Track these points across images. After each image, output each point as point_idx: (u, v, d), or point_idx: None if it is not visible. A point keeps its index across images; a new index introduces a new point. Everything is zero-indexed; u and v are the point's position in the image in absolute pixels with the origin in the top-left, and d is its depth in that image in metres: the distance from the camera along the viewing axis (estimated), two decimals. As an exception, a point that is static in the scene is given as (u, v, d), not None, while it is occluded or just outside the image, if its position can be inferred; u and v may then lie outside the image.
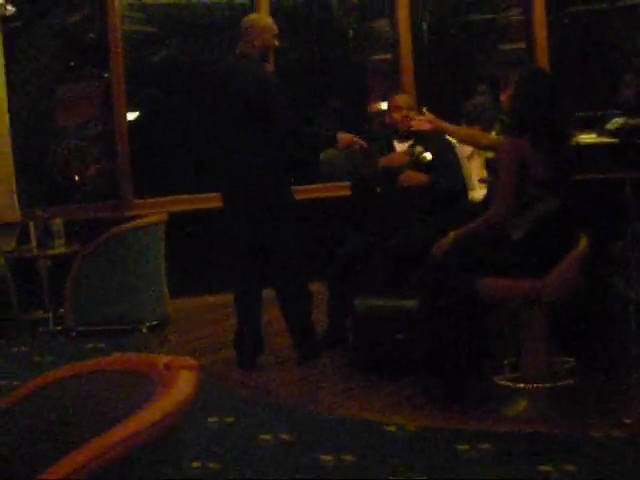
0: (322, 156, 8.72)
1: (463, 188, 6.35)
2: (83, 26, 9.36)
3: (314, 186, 8.66)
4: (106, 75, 9.10)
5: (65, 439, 2.23)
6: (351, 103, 11.32)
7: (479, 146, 5.94)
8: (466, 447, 4.23)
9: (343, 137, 5.74)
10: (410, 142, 6.25)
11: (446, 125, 5.57)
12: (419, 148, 6.12)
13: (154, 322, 7.21)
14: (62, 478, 1.73)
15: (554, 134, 4.75)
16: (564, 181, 4.84)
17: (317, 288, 6.19)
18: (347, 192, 6.84)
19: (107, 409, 2.23)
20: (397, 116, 6.25)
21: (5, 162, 7.60)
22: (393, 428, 4.58)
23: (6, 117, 7.61)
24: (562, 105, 4.81)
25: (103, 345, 6.72)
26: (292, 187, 5.85)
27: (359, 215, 6.44)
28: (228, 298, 6.09)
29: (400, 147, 6.31)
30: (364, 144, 5.80)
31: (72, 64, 9.76)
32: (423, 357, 4.98)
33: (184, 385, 2.07)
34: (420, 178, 6.05)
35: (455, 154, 6.37)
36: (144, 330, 7.09)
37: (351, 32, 11.71)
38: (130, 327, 7.08)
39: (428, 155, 6.07)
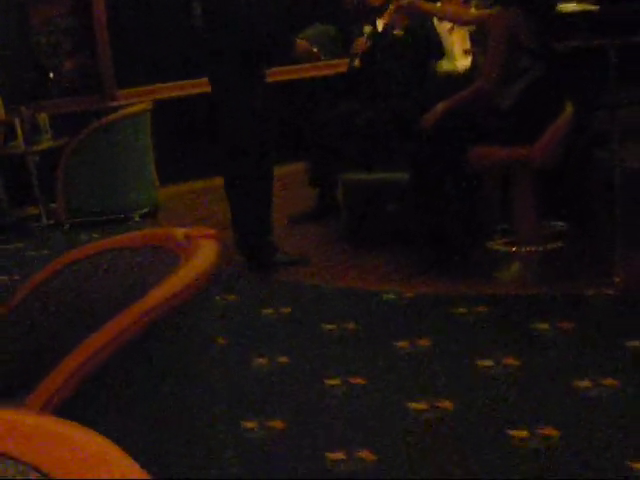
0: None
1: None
2: None
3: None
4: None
5: (94, 312, 2.33)
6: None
7: (461, 22, 5.94)
8: (463, 310, 4.38)
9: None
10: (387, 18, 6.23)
11: (425, 5, 5.57)
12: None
13: (145, 210, 7.30)
14: (90, 353, 1.76)
15: (542, 2, 4.78)
16: (551, 49, 4.89)
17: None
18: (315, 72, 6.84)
19: (133, 282, 2.32)
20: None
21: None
22: (391, 296, 4.73)
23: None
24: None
25: (97, 236, 6.79)
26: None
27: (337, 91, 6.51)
28: (215, 183, 6.12)
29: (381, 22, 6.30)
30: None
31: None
32: (416, 227, 5.09)
33: (207, 253, 2.14)
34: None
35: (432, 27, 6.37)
36: (136, 218, 7.18)
37: None
38: (122, 216, 7.16)
39: None
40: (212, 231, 2.27)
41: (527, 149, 4.70)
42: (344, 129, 6.01)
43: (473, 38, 6.31)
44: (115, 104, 7.86)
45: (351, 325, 4.36)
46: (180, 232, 2.31)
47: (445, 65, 6.55)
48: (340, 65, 7.28)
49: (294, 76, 8.43)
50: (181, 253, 2.19)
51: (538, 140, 4.71)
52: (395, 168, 5.41)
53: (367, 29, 6.19)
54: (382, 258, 5.36)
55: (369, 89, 6.16)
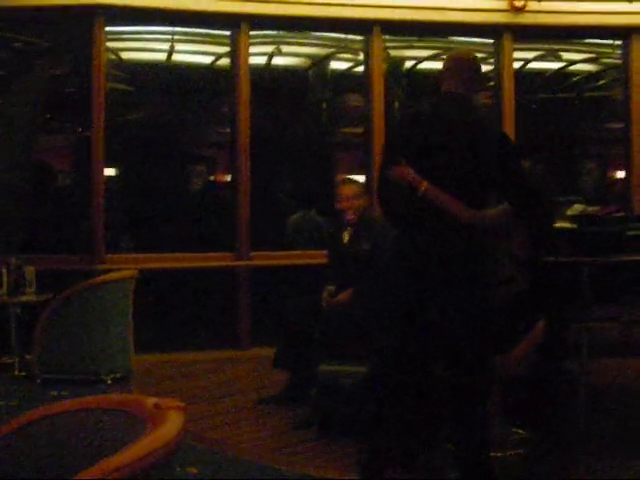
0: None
1: None
2: (66, 80, 9.56)
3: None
4: (80, 130, 9.31)
5: (54, 474, 2.40)
6: (320, 175, 11.54)
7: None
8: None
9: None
10: (350, 230, 6.50)
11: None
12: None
13: (118, 375, 7.35)
14: None
15: (546, 221, 4.97)
16: (537, 262, 5.07)
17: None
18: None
19: (97, 445, 2.40)
20: (346, 205, 6.44)
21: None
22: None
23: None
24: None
25: (66, 394, 6.82)
26: None
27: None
28: (191, 356, 6.18)
29: (347, 233, 6.56)
30: None
31: (53, 117, 9.92)
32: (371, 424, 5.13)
33: (173, 424, 2.23)
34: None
35: None
36: (108, 381, 7.23)
37: (325, 104, 11.99)
38: (94, 378, 7.22)
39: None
40: (180, 404, 2.36)
41: (500, 359, 4.78)
42: (316, 317, 6.18)
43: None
44: (103, 267, 8.04)
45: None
46: (150, 401, 2.40)
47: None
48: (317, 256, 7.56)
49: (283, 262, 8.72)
50: (149, 421, 2.28)
51: (511, 351, 4.82)
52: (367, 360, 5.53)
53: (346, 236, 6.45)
54: (350, 448, 5.38)
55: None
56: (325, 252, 6.88)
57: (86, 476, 1.97)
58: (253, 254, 8.67)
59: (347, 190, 6.49)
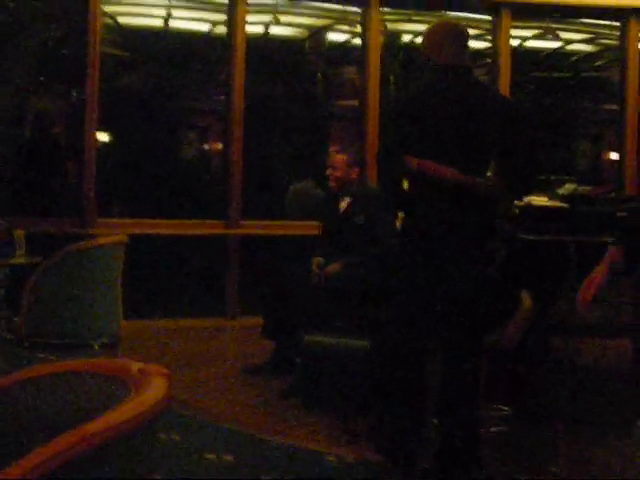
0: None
1: None
2: (61, 43, 9.53)
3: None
4: (74, 94, 9.29)
5: (36, 437, 2.42)
6: (312, 146, 11.56)
7: None
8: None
9: None
10: (348, 200, 6.53)
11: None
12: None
13: (105, 340, 7.35)
14: (23, 474, 1.83)
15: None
16: (515, 238, 5.09)
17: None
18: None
19: (81, 408, 2.41)
20: (331, 174, 6.53)
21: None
22: (332, 458, 4.78)
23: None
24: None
25: (53, 358, 6.83)
26: None
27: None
28: (179, 323, 6.17)
29: (343, 203, 6.59)
30: None
31: (46, 79, 9.91)
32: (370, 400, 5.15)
33: (157, 390, 2.25)
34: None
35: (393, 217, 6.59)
36: (96, 347, 7.23)
37: (320, 76, 11.98)
38: (82, 343, 7.21)
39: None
40: (164, 370, 2.37)
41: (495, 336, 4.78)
42: (306, 287, 6.19)
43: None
44: (93, 231, 8.04)
45: (289, 481, 4.41)
46: (135, 366, 2.41)
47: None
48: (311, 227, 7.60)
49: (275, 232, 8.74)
50: (132, 386, 2.29)
51: (506, 326, 4.83)
52: (358, 333, 5.54)
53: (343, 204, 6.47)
54: (333, 419, 5.41)
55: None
56: (317, 223, 6.89)
57: (66, 439, 1.99)
58: (244, 222, 8.68)
59: (338, 159, 6.55)
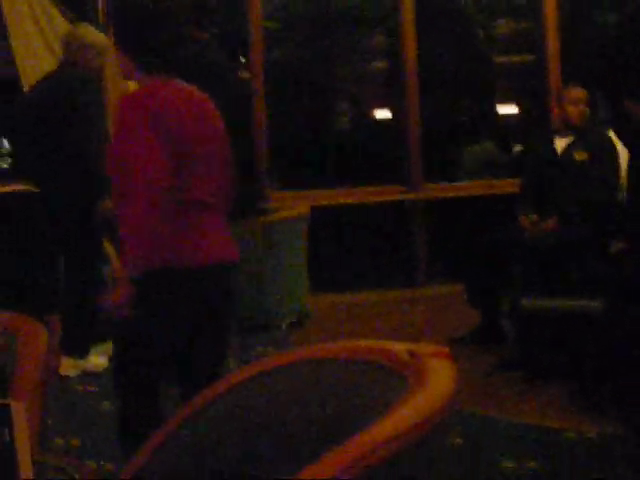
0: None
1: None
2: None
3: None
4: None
5: (291, 430, 2.01)
6: (482, 102, 11.18)
7: None
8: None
9: None
10: (570, 138, 5.97)
11: None
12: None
13: (293, 318, 7.00)
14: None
15: None
16: None
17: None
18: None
19: (342, 405, 1.98)
20: (572, 109, 5.97)
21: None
22: (571, 434, 4.30)
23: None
24: None
25: (240, 340, 6.52)
26: None
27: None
28: (364, 296, 5.78)
29: (560, 143, 6.03)
30: None
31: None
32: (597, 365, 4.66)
33: (443, 378, 1.80)
34: None
35: (616, 155, 6.03)
36: (283, 327, 6.89)
37: (481, 31, 11.50)
38: (268, 323, 6.87)
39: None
40: (445, 349, 1.92)
41: None
42: (520, 250, 5.66)
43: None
44: (271, 205, 7.69)
45: (531, 464, 3.94)
46: (401, 347, 1.97)
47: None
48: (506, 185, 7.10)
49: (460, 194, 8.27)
50: (409, 375, 1.84)
51: None
52: (577, 294, 5.00)
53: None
54: (558, 391, 4.92)
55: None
56: (512, 180, 6.39)
57: (350, 449, 1.55)
58: (426, 186, 8.19)
59: (574, 93, 6.04)
